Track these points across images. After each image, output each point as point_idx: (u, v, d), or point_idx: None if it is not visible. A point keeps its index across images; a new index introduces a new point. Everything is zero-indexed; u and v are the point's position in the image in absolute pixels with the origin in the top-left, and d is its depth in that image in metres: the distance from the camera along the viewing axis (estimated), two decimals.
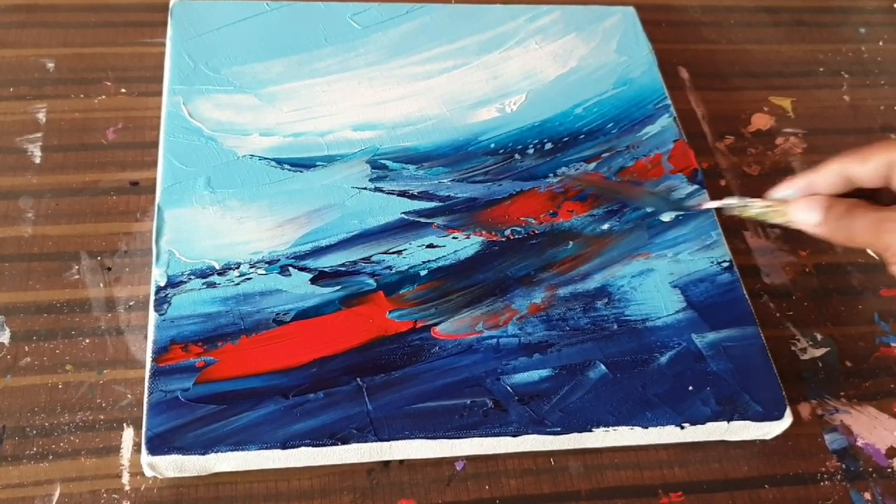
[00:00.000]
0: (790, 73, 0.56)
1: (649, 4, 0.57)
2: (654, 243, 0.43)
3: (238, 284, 0.39)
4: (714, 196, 0.46)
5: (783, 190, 0.37)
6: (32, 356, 0.39)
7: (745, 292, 0.42)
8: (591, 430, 0.37)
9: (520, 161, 0.46)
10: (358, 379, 0.37)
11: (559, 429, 0.37)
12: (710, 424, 0.38)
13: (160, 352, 0.37)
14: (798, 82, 0.56)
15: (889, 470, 0.40)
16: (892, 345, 0.44)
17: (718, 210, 0.40)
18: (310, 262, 0.40)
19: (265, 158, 0.44)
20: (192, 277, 0.39)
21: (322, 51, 0.49)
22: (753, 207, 0.37)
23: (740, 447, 0.40)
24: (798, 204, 0.36)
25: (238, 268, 0.40)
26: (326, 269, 0.40)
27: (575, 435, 0.37)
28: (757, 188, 0.49)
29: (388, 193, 0.43)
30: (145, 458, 0.34)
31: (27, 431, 0.37)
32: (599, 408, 0.38)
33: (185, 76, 0.46)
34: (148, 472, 0.35)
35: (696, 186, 0.46)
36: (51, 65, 0.49)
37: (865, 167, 0.35)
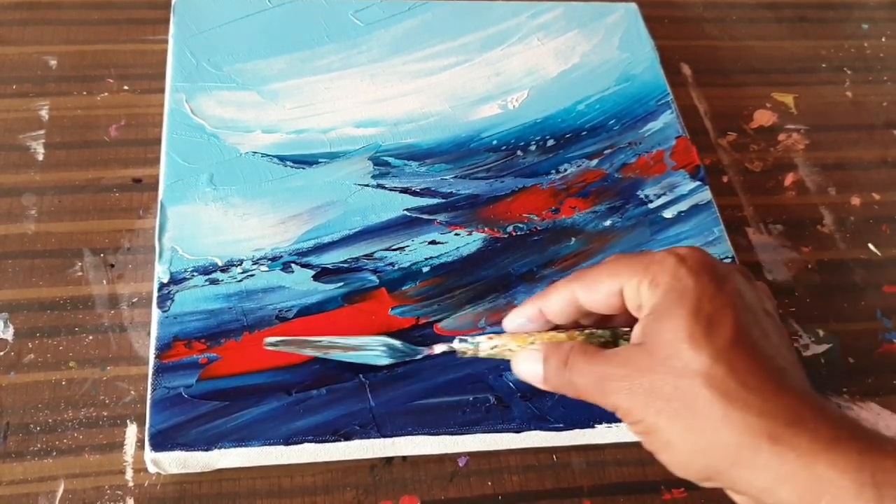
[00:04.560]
0: (792, 69, 0.56)
1: (651, 1, 0.57)
2: (656, 240, 0.43)
3: (241, 281, 0.39)
4: (716, 192, 0.46)
5: (514, 319, 0.33)
6: (36, 353, 0.39)
7: None
8: (593, 427, 0.37)
9: (522, 158, 0.46)
10: (360, 375, 0.37)
11: (561, 425, 0.37)
12: None
13: (163, 348, 0.37)
14: (800, 78, 0.56)
15: None
16: (895, 341, 0.44)
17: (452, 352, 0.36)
18: (312, 259, 0.40)
19: (268, 155, 0.44)
20: (195, 274, 0.39)
21: (324, 47, 0.49)
22: (484, 349, 0.34)
23: None
24: (519, 356, 0.33)
25: (241, 264, 0.40)
26: (329, 266, 0.40)
27: (577, 431, 0.37)
28: (759, 184, 0.50)
29: (390, 190, 0.43)
30: (148, 454, 0.34)
31: (31, 428, 0.37)
32: None
33: (187, 73, 0.46)
34: (151, 469, 0.35)
35: (698, 183, 0.46)
36: (53, 62, 0.49)
37: (593, 296, 0.31)
